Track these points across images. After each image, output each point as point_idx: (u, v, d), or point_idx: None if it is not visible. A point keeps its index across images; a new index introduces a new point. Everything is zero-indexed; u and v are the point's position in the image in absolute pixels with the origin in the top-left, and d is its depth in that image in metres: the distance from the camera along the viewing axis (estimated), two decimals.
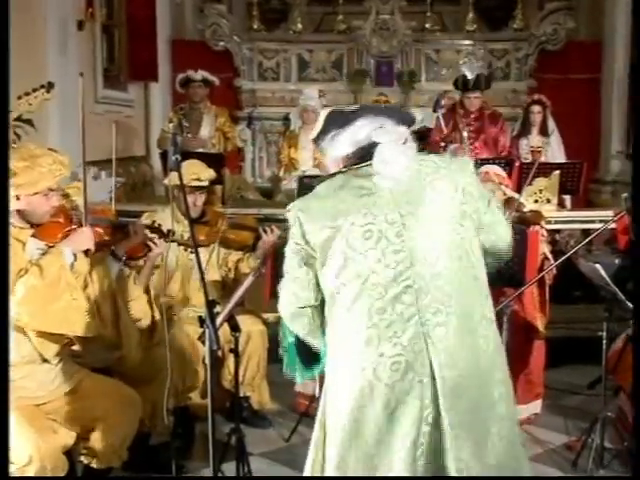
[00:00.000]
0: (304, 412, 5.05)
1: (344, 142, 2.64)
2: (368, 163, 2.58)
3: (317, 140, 2.71)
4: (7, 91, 3.51)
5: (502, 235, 2.77)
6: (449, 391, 2.46)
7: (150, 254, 4.26)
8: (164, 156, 7.86)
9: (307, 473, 2.73)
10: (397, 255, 2.49)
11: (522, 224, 5.02)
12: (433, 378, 2.46)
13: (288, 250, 2.65)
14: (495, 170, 5.28)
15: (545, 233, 5.21)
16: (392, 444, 2.49)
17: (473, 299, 2.57)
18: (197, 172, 4.92)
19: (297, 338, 2.75)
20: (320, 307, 2.66)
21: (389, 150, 2.55)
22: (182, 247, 4.86)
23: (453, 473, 2.46)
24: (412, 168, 2.56)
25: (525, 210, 5.29)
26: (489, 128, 7.66)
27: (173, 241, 4.36)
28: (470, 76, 7.58)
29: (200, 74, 8.25)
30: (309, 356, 2.78)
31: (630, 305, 4.27)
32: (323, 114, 2.71)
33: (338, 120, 2.65)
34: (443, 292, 2.50)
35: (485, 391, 2.56)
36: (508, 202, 5.21)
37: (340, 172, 2.66)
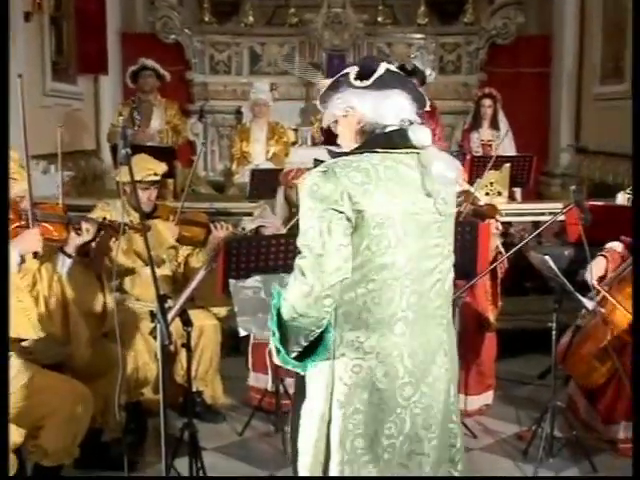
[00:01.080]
0: (257, 406, 5.05)
1: (372, 103, 2.53)
2: (405, 151, 2.51)
3: (362, 86, 2.56)
4: (7, 89, 3.45)
5: None
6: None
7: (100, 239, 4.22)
8: (114, 150, 7.79)
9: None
10: (435, 249, 2.53)
11: (478, 217, 5.07)
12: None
13: (320, 221, 2.40)
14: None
15: (500, 227, 5.26)
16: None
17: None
18: (153, 167, 4.90)
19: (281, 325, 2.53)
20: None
21: (442, 161, 2.53)
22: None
23: None
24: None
25: (480, 204, 5.33)
26: (426, 121, 7.69)
27: (125, 225, 4.31)
28: (427, 70, 7.63)
29: (152, 62, 8.22)
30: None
31: (579, 296, 4.33)
32: (382, 68, 2.57)
33: (386, 82, 2.56)
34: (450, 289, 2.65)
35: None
36: (462, 195, 5.25)
37: (372, 152, 2.50)
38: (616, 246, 4.94)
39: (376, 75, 2.55)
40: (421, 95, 2.64)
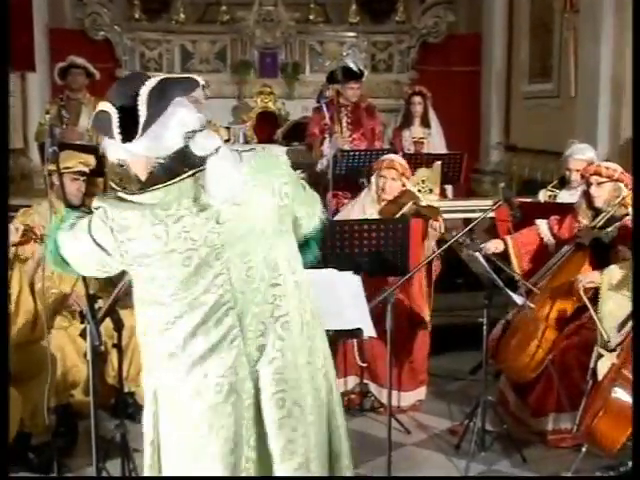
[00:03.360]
0: None
1: (153, 144, 2.34)
2: (181, 178, 2.35)
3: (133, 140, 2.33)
4: (7, 88, 3.37)
5: (312, 218, 2.65)
6: (276, 410, 2.46)
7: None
8: (43, 149, 7.65)
9: None
10: (217, 279, 2.39)
11: (419, 217, 5.12)
12: (257, 399, 2.45)
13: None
14: (400, 160, 5.41)
15: (442, 227, 5.29)
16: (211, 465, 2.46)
17: (295, 306, 2.51)
18: (84, 157, 4.88)
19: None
20: None
21: (220, 170, 2.33)
22: None
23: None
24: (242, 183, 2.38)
25: (422, 204, 5.36)
26: (366, 120, 7.75)
27: None
28: (354, 67, 7.66)
29: (82, 60, 8.09)
30: None
31: (509, 292, 4.39)
32: (142, 99, 2.31)
33: (153, 112, 2.31)
34: (263, 309, 2.44)
35: (312, 385, 2.55)
36: (405, 194, 5.31)
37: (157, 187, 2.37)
38: (540, 224, 5.03)
39: (141, 121, 2.29)
40: (187, 79, 2.46)
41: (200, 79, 2.56)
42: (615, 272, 4.26)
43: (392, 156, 5.53)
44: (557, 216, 5.03)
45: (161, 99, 2.32)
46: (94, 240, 2.42)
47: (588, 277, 4.38)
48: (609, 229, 4.60)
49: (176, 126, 2.34)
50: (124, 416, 4.11)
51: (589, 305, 4.14)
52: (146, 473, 2.59)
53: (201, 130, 2.37)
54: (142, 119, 2.27)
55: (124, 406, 4.46)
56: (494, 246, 4.92)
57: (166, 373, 2.49)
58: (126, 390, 4.78)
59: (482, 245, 4.74)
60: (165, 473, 2.53)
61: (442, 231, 5.26)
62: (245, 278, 2.41)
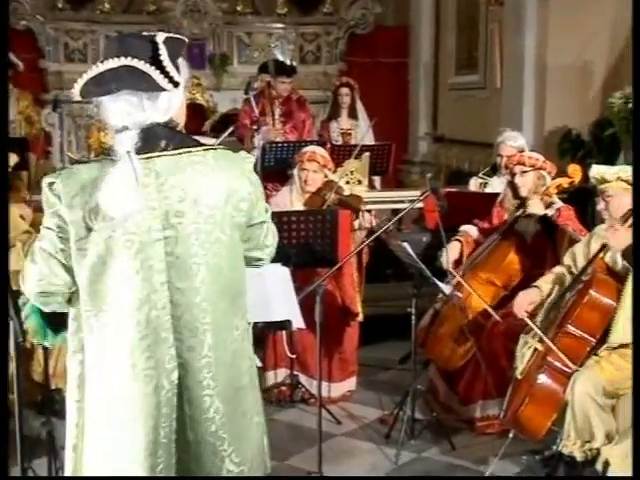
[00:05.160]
0: None
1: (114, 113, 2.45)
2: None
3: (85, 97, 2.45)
4: (7, 88, 3.26)
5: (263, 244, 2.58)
6: (200, 410, 2.41)
7: None
8: None
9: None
10: (156, 271, 2.32)
11: (344, 208, 5.14)
12: (180, 396, 2.40)
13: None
14: (321, 152, 5.42)
15: (373, 221, 5.32)
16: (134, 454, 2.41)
17: (227, 309, 2.45)
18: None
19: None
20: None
21: (113, 190, 2.24)
22: None
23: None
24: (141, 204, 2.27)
25: (345, 193, 5.40)
26: (297, 112, 7.75)
27: None
28: (287, 61, 7.67)
29: None
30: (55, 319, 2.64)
31: (437, 281, 4.43)
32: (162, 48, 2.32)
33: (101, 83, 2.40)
34: (200, 309, 2.37)
35: (236, 384, 2.49)
36: (328, 184, 5.32)
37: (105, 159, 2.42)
38: (470, 230, 5.10)
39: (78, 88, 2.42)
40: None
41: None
42: (546, 282, 4.20)
43: (313, 148, 5.53)
44: (477, 219, 5.10)
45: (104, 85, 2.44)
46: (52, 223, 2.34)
47: (526, 299, 4.10)
48: (549, 212, 4.63)
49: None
50: (50, 413, 4.04)
51: (536, 329, 3.95)
52: (67, 457, 2.51)
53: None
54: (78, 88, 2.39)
55: (50, 403, 4.39)
56: (455, 252, 4.96)
57: (93, 356, 2.47)
58: (53, 387, 4.70)
59: (442, 259, 4.78)
60: (87, 461, 2.45)
61: (372, 224, 5.30)
62: (186, 277, 2.34)
